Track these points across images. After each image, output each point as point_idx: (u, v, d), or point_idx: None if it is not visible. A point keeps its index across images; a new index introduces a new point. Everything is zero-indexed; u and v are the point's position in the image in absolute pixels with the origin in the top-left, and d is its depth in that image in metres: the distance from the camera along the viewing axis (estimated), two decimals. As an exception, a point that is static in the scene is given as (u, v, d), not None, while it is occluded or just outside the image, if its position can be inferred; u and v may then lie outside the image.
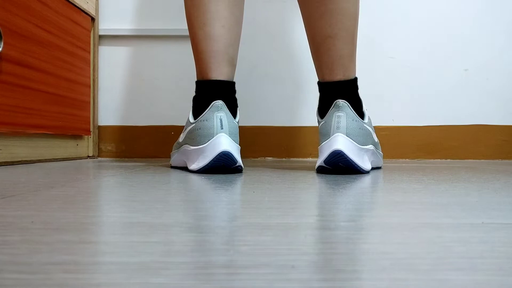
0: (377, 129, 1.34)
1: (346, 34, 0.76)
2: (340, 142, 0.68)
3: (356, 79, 0.79)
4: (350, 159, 0.68)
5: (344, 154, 0.68)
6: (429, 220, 0.32)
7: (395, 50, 1.35)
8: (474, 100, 1.35)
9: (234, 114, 0.78)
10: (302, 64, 1.35)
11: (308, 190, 0.49)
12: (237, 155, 0.73)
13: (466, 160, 1.31)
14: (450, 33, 1.35)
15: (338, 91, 0.77)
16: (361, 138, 0.71)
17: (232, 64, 0.79)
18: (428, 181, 0.60)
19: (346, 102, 0.71)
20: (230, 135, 0.72)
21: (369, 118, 0.79)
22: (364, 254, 0.23)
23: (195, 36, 0.78)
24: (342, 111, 0.71)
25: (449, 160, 1.33)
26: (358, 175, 0.70)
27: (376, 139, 0.82)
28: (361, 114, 0.78)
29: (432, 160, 1.33)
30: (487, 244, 0.25)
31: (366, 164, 0.73)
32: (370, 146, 0.76)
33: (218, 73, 0.77)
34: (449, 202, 0.41)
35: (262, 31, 1.35)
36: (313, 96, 1.35)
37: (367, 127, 0.75)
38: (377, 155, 0.82)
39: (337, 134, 0.69)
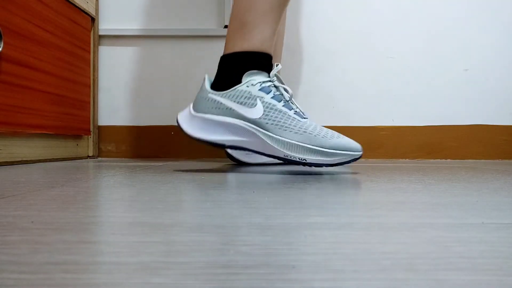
0: (377, 129, 1.34)
1: (234, 11, 0.78)
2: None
3: (229, 55, 0.77)
4: (177, 119, 0.76)
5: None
6: (429, 220, 0.32)
7: (395, 50, 1.35)
8: (474, 100, 1.35)
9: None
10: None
11: (308, 190, 0.49)
12: (238, 154, 0.94)
13: (466, 160, 1.31)
14: (450, 33, 1.35)
15: None
16: (198, 105, 0.74)
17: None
18: (428, 181, 0.60)
19: (205, 76, 0.78)
20: None
21: (237, 94, 0.73)
22: (364, 254, 0.23)
23: None
24: None
25: (449, 160, 1.33)
26: (358, 176, 0.70)
27: (248, 115, 0.73)
28: (224, 86, 0.76)
29: (432, 160, 1.33)
30: (487, 244, 0.25)
31: (190, 128, 0.74)
32: (209, 116, 0.73)
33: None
34: (449, 202, 0.41)
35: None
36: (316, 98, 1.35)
37: (215, 97, 0.73)
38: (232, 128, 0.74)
39: None
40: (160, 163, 1.04)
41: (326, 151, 0.70)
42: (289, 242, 0.25)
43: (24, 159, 0.98)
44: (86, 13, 1.25)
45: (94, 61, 1.31)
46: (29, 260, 0.22)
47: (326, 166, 0.72)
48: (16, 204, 0.39)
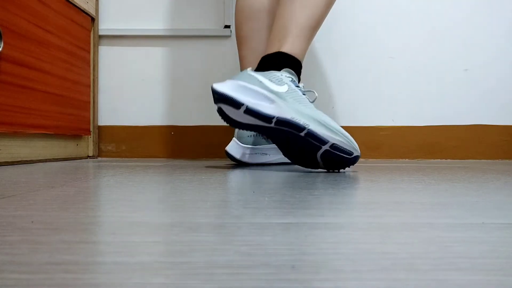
0: (377, 129, 1.34)
1: (279, 17, 0.89)
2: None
3: (270, 54, 0.87)
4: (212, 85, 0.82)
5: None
6: (429, 220, 0.32)
7: (395, 50, 1.35)
8: (474, 100, 1.35)
9: None
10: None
11: (308, 190, 0.49)
12: (237, 154, 0.98)
13: (466, 160, 1.31)
14: (450, 33, 1.35)
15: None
16: (236, 76, 0.81)
17: None
18: (428, 181, 0.60)
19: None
20: (238, 138, 1.00)
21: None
22: (364, 254, 0.23)
23: None
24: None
25: (449, 160, 1.33)
26: (358, 176, 0.70)
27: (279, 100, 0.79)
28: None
29: (432, 160, 1.33)
30: (487, 244, 0.25)
31: (219, 86, 0.79)
32: (241, 82, 0.79)
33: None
34: (449, 202, 0.41)
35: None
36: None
37: (252, 73, 0.80)
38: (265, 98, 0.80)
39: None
40: (160, 163, 1.04)
41: (330, 126, 0.75)
42: (289, 242, 0.25)
43: (24, 159, 0.98)
44: (86, 13, 1.25)
45: (94, 61, 1.31)
46: (29, 260, 0.22)
47: (323, 146, 0.75)
48: (16, 204, 0.39)
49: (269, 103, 0.78)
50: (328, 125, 0.76)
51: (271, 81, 0.79)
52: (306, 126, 0.74)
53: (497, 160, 1.32)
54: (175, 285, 0.18)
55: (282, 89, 0.79)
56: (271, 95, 0.78)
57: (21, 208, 0.37)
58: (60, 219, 0.32)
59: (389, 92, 1.35)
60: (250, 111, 0.78)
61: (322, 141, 0.74)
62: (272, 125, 0.78)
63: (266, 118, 0.78)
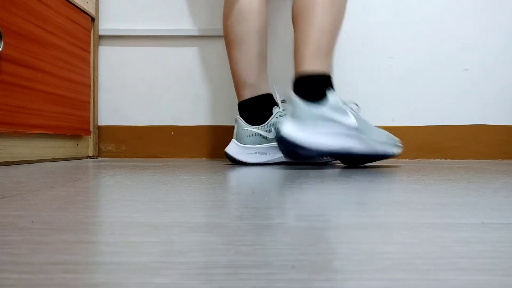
0: (377, 129, 1.34)
1: (306, 34, 0.92)
2: None
3: (309, 73, 0.89)
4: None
5: None
6: (429, 220, 0.32)
7: (395, 50, 1.35)
8: (474, 100, 1.35)
9: (255, 120, 1.02)
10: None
11: (309, 190, 0.49)
12: (237, 154, 0.99)
13: (466, 160, 1.31)
14: (450, 33, 1.35)
15: None
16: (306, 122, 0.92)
17: (251, 85, 1.04)
18: (428, 181, 0.60)
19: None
20: (237, 139, 1.02)
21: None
22: (364, 254, 0.23)
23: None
24: None
25: (449, 160, 1.33)
26: (358, 176, 0.70)
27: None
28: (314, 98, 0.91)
29: (432, 160, 1.33)
30: (487, 244, 0.25)
31: (321, 142, 0.81)
32: (341, 129, 0.83)
33: (240, 97, 1.07)
34: (449, 202, 0.41)
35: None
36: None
37: (317, 111, 0.87)
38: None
39: None
40: (160, 163, 1.04)
41: (392, 140, 0.89)
42: (289, 242, 0.25)
43: (24, 159, 0.98)
44: (86, 13, 1.25)
45: (94, 61, 1.31)
46: (29, 260, 0.22)
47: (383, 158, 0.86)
48: (16, 204, 0.39)
49: (353, 141, 0.81)
50: (389, 139, 0.85)
51: (337, 112, 0.81)
52: (391, 152, 0.81)
53: (497, 160, 1.32)
54: (175, 285, 0.18)
55: (353, 120, 0.82)
56: (351, 132, 0.81)
57: (21, 208, 0.37)
58: (60, 219, 0.32)
59: (389, 92, 1.35)
60: (336, 155, 0.82)
61: (388, 156, 0.83)
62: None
63: (356, 156, 0.82)
